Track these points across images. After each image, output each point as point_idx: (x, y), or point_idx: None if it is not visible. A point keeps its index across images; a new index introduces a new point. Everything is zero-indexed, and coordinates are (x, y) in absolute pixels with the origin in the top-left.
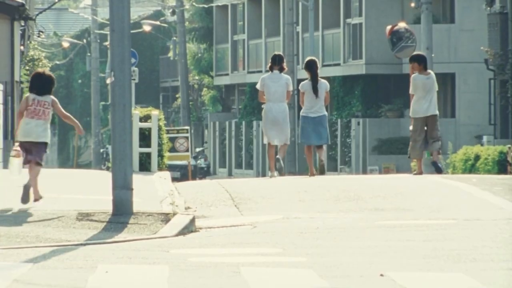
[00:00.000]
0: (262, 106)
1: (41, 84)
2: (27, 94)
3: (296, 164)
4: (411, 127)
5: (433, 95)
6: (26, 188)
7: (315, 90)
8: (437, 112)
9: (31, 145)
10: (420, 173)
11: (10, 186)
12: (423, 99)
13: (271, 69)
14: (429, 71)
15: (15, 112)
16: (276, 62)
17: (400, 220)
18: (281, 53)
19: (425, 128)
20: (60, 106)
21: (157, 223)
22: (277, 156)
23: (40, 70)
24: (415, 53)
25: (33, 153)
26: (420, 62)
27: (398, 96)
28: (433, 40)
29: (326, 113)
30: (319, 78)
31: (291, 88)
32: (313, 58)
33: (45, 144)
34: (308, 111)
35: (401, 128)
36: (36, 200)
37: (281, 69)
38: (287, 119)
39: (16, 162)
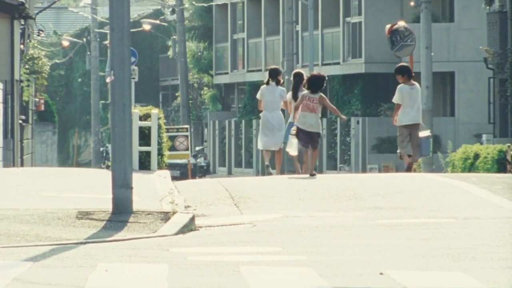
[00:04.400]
0: (260, 114)
1: (310, 83)
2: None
3: None
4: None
5: (419, 105)
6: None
7: (295, 98)
8: (421, 121)
9: (309, 133)
10: (410, 162)
11: (10, 185)
12: (409, 108)
13: (268, 82)
14: (413, 82)
15: (15, 111)
16: (272, 76)
17: (399, 219)
18: (278, 67)
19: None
20: (327, 101)
21: (157, 221)
22: (266, 163)
23: (314, 72)
24: (399, 64)
25: (311, 140)
26: (404, 73)
27: None
28: (432, 39)
29: None
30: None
31: (286, 99)
32: (299, 70)
33: (318, 133)
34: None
35: None
36: (312, 174)
37: (277, 82)
38: (282, 126)
39: (295, 141)
